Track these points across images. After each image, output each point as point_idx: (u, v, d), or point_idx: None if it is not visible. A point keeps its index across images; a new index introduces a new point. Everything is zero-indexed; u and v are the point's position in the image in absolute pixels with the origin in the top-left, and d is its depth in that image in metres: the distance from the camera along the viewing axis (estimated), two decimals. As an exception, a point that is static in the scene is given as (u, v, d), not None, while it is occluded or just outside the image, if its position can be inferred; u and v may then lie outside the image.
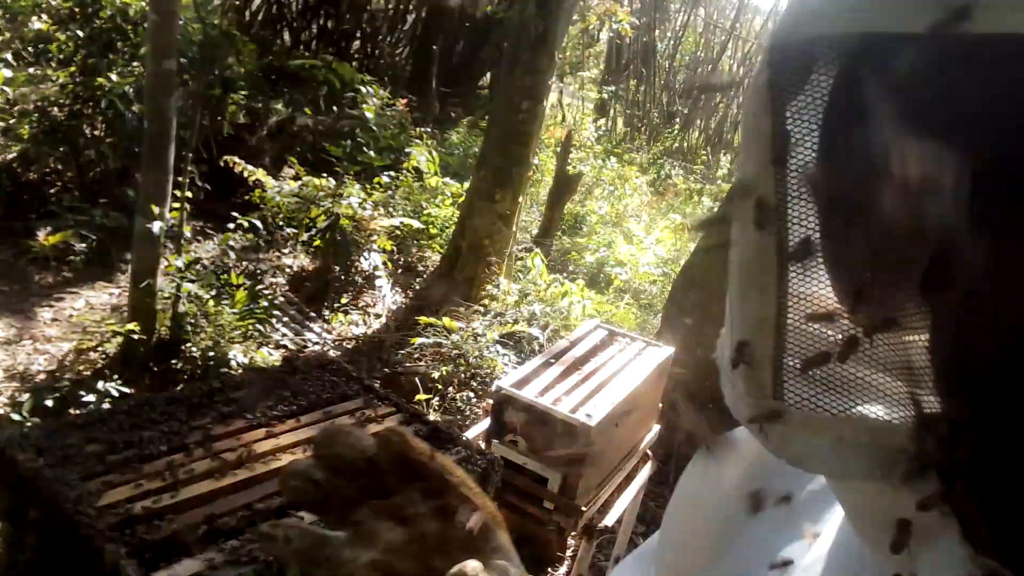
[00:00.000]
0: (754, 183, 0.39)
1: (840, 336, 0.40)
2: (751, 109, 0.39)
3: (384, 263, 5.94)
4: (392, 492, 0.50)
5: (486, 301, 5.73)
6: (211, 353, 4.34)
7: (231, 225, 5.57)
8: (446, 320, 5.21)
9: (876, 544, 0.43)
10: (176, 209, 4.63)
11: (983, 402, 0.35)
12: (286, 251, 6.11)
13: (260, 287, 5.29)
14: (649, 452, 3.36)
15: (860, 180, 0.37)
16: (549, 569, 3.60)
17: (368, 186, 6.76)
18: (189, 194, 4.87)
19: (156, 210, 4.19)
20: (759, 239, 0.40)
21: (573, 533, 2.83)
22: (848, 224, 0.39)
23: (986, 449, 0.35)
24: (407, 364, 4.98)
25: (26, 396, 3.97)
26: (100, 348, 4.40)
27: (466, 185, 6.79)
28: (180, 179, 4.65)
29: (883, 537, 0.41)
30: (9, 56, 6.16)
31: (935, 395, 0.38)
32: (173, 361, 4.30)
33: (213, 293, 4.64)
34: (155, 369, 4.26)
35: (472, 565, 0.45)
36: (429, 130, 9.49)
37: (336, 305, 5.66)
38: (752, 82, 0.39)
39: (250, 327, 4.76)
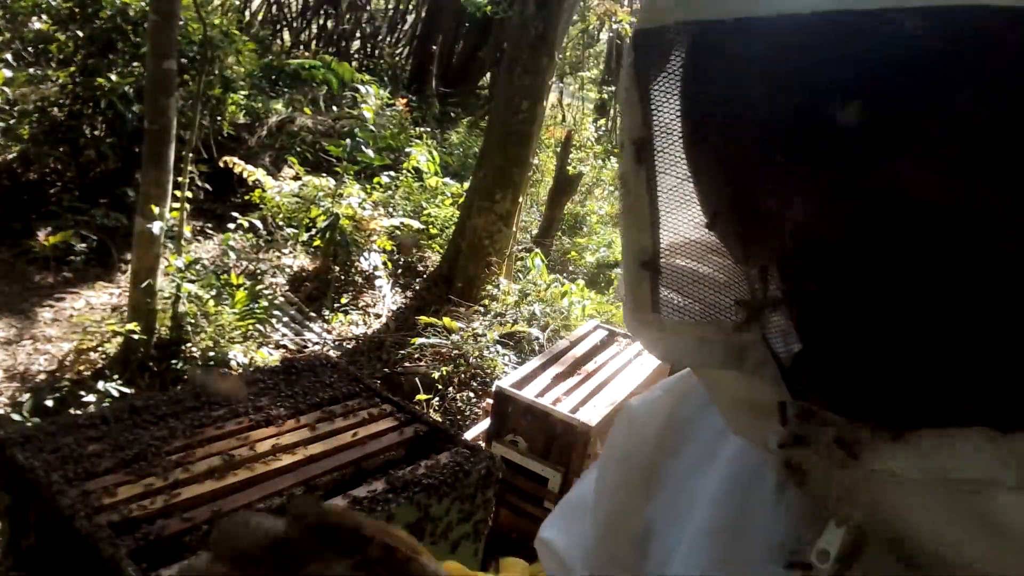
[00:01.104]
0: (632, 136, 0.49)
1: (706, 257, 0.51)
2: (623, 84, 0.48)
3: (384, 263, 5.94)
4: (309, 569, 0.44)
5: (486, 301, 5.73)
6: (211, 353, 4.34)
7: (231, 225, 5.57)
8: (446, 320, 5.21)
9: (745, 431, 0.51)
10: (176, 209, 4.63)
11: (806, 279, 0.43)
12: (286, 251, 6.11)
13: (260, 287, 5.29)
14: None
15: (709, 125, 0.48)
16: (549, 569, 3.60)
17: (368, 186, 6.76)
18: (189, 194, 4.87)
19: (156, 210, 4.19)
20: (637, 176, 0.49)
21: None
22: (703, 157, 0.49)
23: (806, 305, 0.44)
24: (407, 364, 4.98)
25: (26, 396, 3.97)
26: (100, 348, 4.40)
27: (466, 185, 6.79)
28: (180, 179, 4.65)
29: (748, 420, 0.49)
30: (9, 56, 6.16)
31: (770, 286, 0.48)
32: (173, 361, 4.30)
33: (213, 293, 4.64)
34: (155, 369, 4.26)
35: None
36: (429, 130, 9.48)
37: (336, 305, 5.66)
38: (624, 62, 0.47)
39: (250, 327, 4.76)
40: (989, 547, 0.39)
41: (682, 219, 0.51)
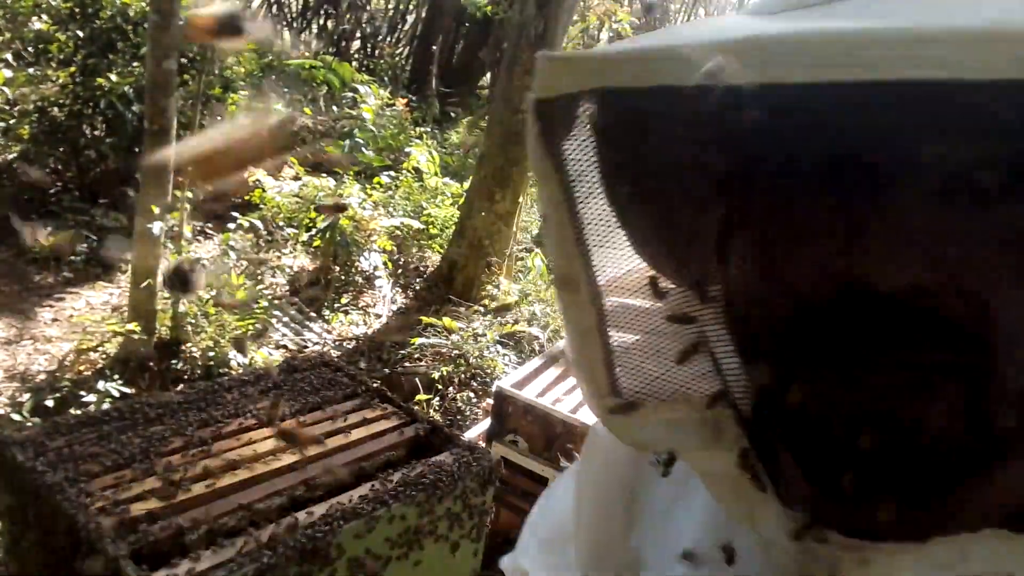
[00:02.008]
0: (551, 216, 0.46)
1: (656, 327, 0.49)
2: (534, 156, 0.45)
3: (384, 263, 5.94)
4: None
5: (486, 301, 5.73)
6: (211, 353, 4.34)
7: (231, 225, 5.57)
8: (446, 320, 5.21)
9: (727, 504, 0.48)
10: (176, 209, 4.63)
11: (773, 365, 0.42)
12: (286, 251, 6.11)
13: (260, 287, 5.28)
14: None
15: (638, 192, 0.47)
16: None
17: (368, 186, 6.75)
18: (189, 194, 4.87)
19: (156, 210, 4.18)
20: (568, 262, 0.46)
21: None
22: (639, 225, 0.48)
23: (779, 408, 0.42)
24: (407, 364, 4.98)
25: (26, 396, 3.97)
26: (100, 348, 4.40)
27: (466, 185, 6.79)
28: (180, 179, 4.65)
29: (731, 496, 0.47)
30: (9, 56, 6.16)
31: (737, 363, 0.46)
32: (173, 361, 4.29)
33: (213, 293, 4.63)
34: (155, 369, 4.26)
35: None
36: (429, 130, 9.48)
37: (336, 305, 5.66)
38: (528, 133, 0.45)
39: (250, 327, 4.76)
40: None
41: (625, 284, 0.49)
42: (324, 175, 6.41)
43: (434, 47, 11.47)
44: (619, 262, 0.48)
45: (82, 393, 3.93)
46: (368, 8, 12.61)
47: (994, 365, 0.36)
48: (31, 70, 6.01)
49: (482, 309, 5.62)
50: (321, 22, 11.99)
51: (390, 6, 13.18)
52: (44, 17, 6.18)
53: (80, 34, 5.93)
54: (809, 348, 0.39)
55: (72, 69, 5.90)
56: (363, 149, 7.45)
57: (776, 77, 0.31)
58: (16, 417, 3.73)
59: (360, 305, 5.79)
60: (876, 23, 0.31)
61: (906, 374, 0.37)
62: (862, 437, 0.37)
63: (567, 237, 0.46)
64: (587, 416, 2.60)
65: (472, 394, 4.70)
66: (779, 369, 0.42)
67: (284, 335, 5.12)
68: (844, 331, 0.38)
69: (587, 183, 0.47)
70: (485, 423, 2.87)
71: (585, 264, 0.46)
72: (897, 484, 0.39)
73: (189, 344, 4.41)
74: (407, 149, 7.81)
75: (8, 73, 5.80)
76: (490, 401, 2.81)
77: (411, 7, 13.01)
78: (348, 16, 11.91)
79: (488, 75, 13.07)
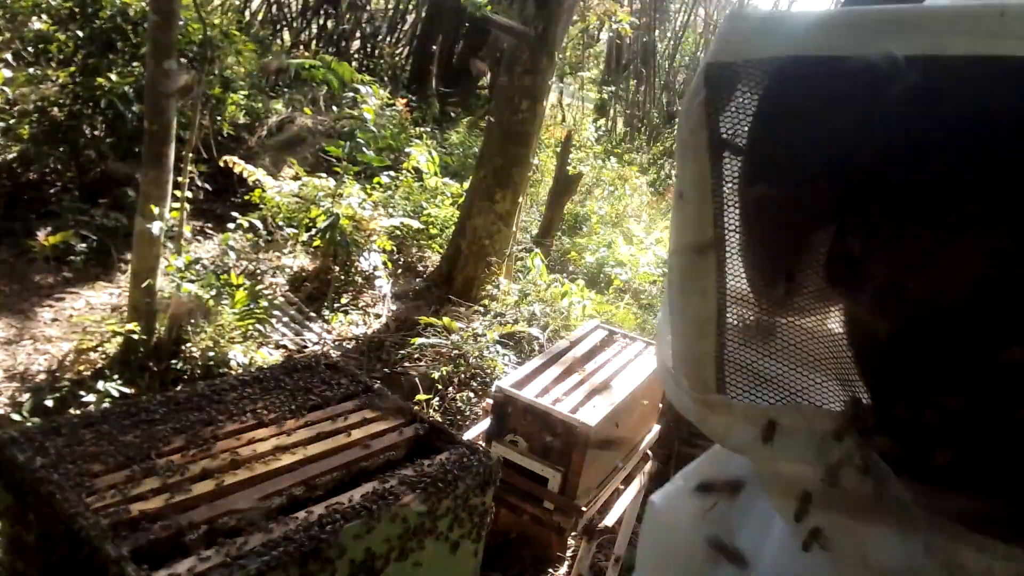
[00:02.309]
0: (690, 194, 0.44)
1: (766, 324, 0.47)
2: (689, 125, 0.44)
3: (384, 263, 5.94)
4: None
5: (486, 301, 5.73)
6: (211, 353, 4.34)
7: (231, 225, 5.57)
8: (446, 320, 5.21)
9: (784, 511, 0.46)
10: (176, 209, 4.63)
11: (897, 386, 0.42)
12: (286, 251, 6.11)
13: (260, 287, 5.28)
14: (649, 452, 3.36)
15: (781, 185, 0.44)
16: (549, 569, 3.60)
17: (368, 186, 6.75)
18: (189, 194, 4.87)
19: (156, 210, 4.19)
20: (703, 236, 0.45)
21: (573, 533, 2.82)
22: (770, 226, 0.46)
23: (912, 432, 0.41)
24: (407, 364, 4.98)
25: (26, 396, 3.97)
26: (100, 348, 4.40)
27: (466, 185, 6.79)
28: (180, 179, 4.65)
29: (789, 505, 0.45)
30: (9, 56, 6.16)
31: (858, 380, 0.45)
32: (173, 361, 4.29)
33: (213, 293, 4.63)
34: (155, 369, 4.26)
35: None
36: (429, 130, 9.48)
37: (336, 305, 5.66)
38: (688, 102, 0.43)
39: (250, 327, 4.76)
40: None
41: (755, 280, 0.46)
42: (324, 175, 6.41)
43: (434, 47, 11.46)
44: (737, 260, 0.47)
45: (82, 393, 3.93)
46: (368, 8, 12.60)
47: None
48: (31, 70, 6.01)
49: (482, 309, 5.62)
50: (321, 22, 11.99)
51: (390, 6, 13.18)
52: (44, 17, 6.18)
53: (80, 34, 5.93)
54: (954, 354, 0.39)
55: (72, 69, 5.90)
56: (363, 149, 7.45)
57: (938, 48, 0.32)
58: (16, 417, 3.73)
59: (360, 305, 5.79)
60: None
61: None
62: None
63: (706, 213, 0.44)
64: (587, 416, 2.59)
65: (472, 394, 4.70)
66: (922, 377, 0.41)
67: (284, 335, 5.11)
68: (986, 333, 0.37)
69: (735, 159, 0.45)
70: (485, 423, 2.87)
71: (718, 244, 0.45)
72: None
73: (189, 344, 4.41)
74: (407, 149, 7.80)
75: (8, 73, 5.80)
76: (490, 401, 2.81)
77: (411, 7, 13.01)
78: (348, 16, 11.90)
79: (488, 75, 13.07)
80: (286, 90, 8.13)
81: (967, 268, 0.39)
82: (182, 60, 5.63)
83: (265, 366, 2.96)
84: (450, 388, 4.74)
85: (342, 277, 5.91)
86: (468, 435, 2.70)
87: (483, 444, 2.72)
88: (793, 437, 0.44)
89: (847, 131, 0.41)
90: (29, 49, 6.26)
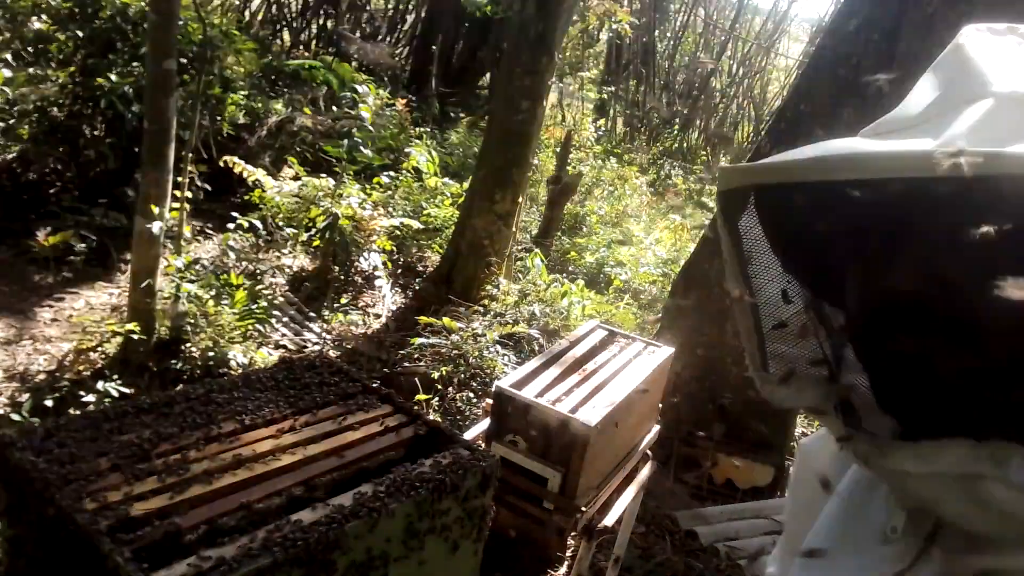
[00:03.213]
0: (729, 263, 0.75)
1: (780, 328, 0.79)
2: (720, 227, 0.73)
3: (384, 263, 5.94)
4: None
5: (486, 301, 5.73)
6: (211, 353, 4.34)
7: (231, 225, 5.57)
8: (446, 320, 5.21)
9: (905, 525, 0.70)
10: (176, 209, 4.64)
11: None
12: (286, 251, 6.11)
13: (260, 287, 5.29)
14: (649, 452, 3.36)
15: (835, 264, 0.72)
16: (549, 569, 3.60)
17: (368, 186, 6.75)
18: (189, 194, 4.88)
19: (156, 210, 4.19)
20: (739, 289, 0.76)
21: (573, 533, 2.82)
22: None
23: None
24: (407, 364, 4.98)
25: (26, 396, 3.97)
26: (100, 348, 4.40)
27: (466, 185, 6.79)
28: (180, 179, 4.65)
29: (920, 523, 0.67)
30: (9, 56, 6.16)
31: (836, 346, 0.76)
32: (173, 361, 4.29)
33: (213, 293, 4.64)
34: (155, 369, 4.26)
35: None
36: (429, 130, 9.48)
37: (336, 305, 5.66)
38: (716, 212, 0.75)
39: (250, 327, 4.76)
40: (982, 517, 0.59)
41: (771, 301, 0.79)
42: (324, 175, 6.41)
43: (434, 47, 11.47)
44: (767, 289, 0.77)
45: (81, 393, 3.94)
46: (368, 8, 12.60)
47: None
48: (31, 70, 6.01)
49: (481, 309, 5.62)
50: (321, 22, 11.99)
51: (390, 6, 13.18)
52: (44, 17, 6.18)
53: (80, 34, 5.93)
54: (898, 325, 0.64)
55: (72, 69, 5.90)
56: (362, 149, 7.45)
57: (834, 177, 0.59)
58: (16, 417, 3.73)
59: (360, 305, 5.79)
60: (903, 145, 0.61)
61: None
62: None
63: (738, 273, 0.75)
64: (587, 416, 2.59)
65: (472, 394, 4.70)
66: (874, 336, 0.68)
67: (284, 335, 5.11)
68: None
69: (751, 243, 0.75)
70: (485, 423, 2.87)
71: (748, 290, 0.75)
72: (920, 401, 0.64)
73: (189, 344, 4.41)
74: (407, 149, 7.81)
75: (8, 73, 5.80)
76: (489, 401, 2.81)
77: (411, 7, 13.01)
78: (348, 16, 11.90)
79: (488, 75, 13.07)
80: (286, 90, 8.13)
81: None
82: (182, 60, 5.63)
83: (265, 366, 2.96)
84: (450, 388, 4.74)
85: (342, 277, 5.91)
86: (468, 435, 2.70)
87: (483, 444, 2.72)
88: (803, 381, 0.75)
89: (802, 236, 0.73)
90: (29, 49, 6.27)
